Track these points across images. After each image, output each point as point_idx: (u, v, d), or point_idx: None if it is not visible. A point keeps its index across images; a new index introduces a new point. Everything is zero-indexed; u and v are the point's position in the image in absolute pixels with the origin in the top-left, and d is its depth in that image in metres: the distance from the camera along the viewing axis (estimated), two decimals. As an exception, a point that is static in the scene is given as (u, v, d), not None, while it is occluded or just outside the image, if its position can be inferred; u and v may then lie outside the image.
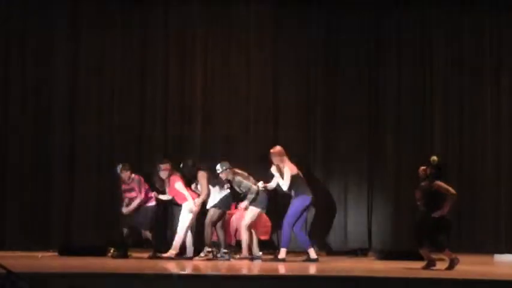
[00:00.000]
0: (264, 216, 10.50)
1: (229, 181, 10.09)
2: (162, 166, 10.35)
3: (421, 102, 11.76)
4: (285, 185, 9.74)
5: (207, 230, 9.97)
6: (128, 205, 10.34)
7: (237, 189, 10.09)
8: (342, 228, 11.46)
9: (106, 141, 11.68)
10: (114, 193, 11.15)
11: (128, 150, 11.59)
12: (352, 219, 11.48)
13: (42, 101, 11.66)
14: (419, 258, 10.56)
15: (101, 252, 10.55)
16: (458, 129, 11.73)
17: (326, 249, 11.38)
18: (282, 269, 8.92)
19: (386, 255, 10.92)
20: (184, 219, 10.17)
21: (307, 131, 11.70)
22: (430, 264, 8.78)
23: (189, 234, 10.22)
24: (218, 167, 10.14)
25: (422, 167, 9.00)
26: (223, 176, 10.08)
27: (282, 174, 9.77)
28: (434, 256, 8.76)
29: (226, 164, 10.11)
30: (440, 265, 8.80)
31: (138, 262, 9.61)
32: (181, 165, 10.26)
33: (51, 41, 11.69)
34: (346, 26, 11.81)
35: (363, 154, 11.68)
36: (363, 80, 11.78)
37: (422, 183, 8.89)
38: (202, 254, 9.96)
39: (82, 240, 11.31)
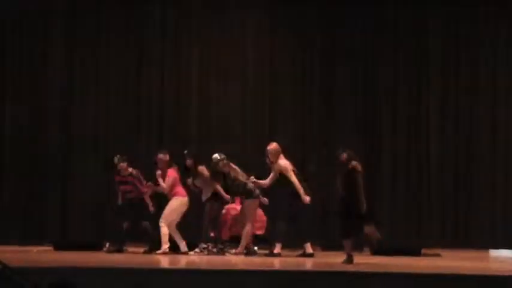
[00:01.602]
0: (259, 211, 10.48)
1: (223, 173, 10.05)
2: (160, 156, 10.29)
3: (418, 101, 11.73)
4: (267, 182, 9.76)
5: (206, 225, 9.91)
6: (122, 198, 10.30)
7: (229, 183, 10.05)
8: (339, 223, 11.42)
9: (102, 135, 11.63)
10: (111, 187, 11.13)
11: (125, 145, 11.55)
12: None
13: (38, 97, 11.62)
14: (416, 253, 10.62)
15: (97, 246, 10.54)
16: (454, 126, 11.71)
17: (322, 245, 11.36)
18: (277, 264, 8.92)
19: (381, 250, 10.92)
20: (167, 212, 10.10)
21: (304, 128, 11.67)
22: (350, 259, 8.67)
23: (175, 229, 10.15)
24: (216, 156, 10.08)
25: (338, 153, 8.86)
26: (219, 166, 10.02)
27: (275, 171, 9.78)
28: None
29: (223, 155, 10.08)
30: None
31: (134, 257, 9.59)
32: (185, 151, 10.20)
33: (48, 39, 11.64)
34: (343, 22, 11.77)
35: (360, 151, 11.64)
36: (360, 78, 11.73)
37: (340, 168, 8.79)
38: (197, 249, 9.93)
39: (78, 234, 11.27)
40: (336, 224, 8.86)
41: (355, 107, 11.67)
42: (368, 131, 11.66)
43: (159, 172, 10.21)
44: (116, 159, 10.36)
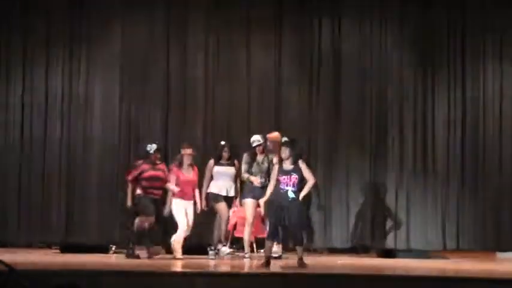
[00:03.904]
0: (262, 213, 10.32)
1: (253, 156, 9.72)
2: (189, 150, 9.84)
3: (423, 98, 11.70)
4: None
5: (223, 227, 9.71)
6: (155, 197, 9.61)
7: (258, 169, 9.69)
8: (344, 225, 11.41)
9: (108, 136, 11.61)
10: (117, 189, 11.16)
11: (129, 146, 11.54)
12: (354, 216, 11.44)
13: (41, 95, 11.61)
14: (423, 255, 10.60)
15: (103, 249, 10.53)
16: (460, 127, 11.67)
17: (327, 247, 11.35)
18: (279, 266, 8.91)
19: (386, 252, 10.92)
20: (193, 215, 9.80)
21: (308, 128, 11.64)
22: (269, 262, 8.43)
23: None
24: (259, 138, 9.80)
25: (283, 148, 8.53)
26: (259, 150, 9.72)
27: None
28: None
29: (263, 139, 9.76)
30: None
31: (140, 260, 9.57)
32: (222, 142, 9.96)
33: (54, 26, 11.66)
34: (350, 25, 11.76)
35: (366, 154, 11.61)
36: (366, 78, 11.70)
37: (285, 165, 8.47)
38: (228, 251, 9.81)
39: (84, 237, 11.24)
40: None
41: (363, 109, 11.62)
42: (375, 133, 11.62)
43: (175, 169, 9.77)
44: (150, 148, 9.67)
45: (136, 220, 9.54)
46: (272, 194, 8.56)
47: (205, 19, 11.70)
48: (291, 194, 8.39)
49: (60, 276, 7.17)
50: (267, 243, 8.56)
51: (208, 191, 9.84)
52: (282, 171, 8.49)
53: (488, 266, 9.35)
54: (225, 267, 8.79)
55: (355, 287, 7.35)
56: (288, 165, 8.50)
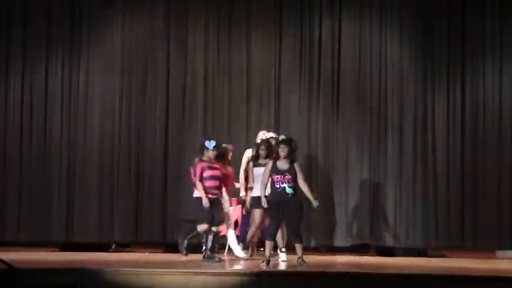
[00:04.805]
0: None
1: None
2: (231, 147, 9.66)
3: (423, 97, 11.68)
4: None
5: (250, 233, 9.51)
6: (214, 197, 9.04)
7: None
8: (344, 224, 11.41)
9: (108, 135, 11.60)
10: (116, 187, 11.15)
11: (130, 145, 11.54)
12: (354, 215, 11.44)
13: (40, 94, 11.60)
14: (422, 254, 10.58)
15: (103, 247, 10.54)
16: (460, 126, 11.66)
17: (327, 245, 11.35)
18: (281, 265, 8.91)
19: (385, 250, 10.91)
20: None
21: (308, 126, 11.64)
22: (269, 262, 8.39)
23: None
24: (271, 134, 9.68)
25: (282, 146, 8.47)
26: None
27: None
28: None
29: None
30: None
31: (140, 257, 9.58)
32: (259, 140, 9.63)
33: (54, 24, 11.65)
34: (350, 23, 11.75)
35: (365, 150, 11.60)
36: (366, 78, 11.69)
37: (281, 164, 8.40)
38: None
39: (84, 235, 11.23)
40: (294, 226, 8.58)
41: (363, 108, 11.59)
42: (374, 132, 11.61)
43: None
44: (210, 145, 9.02)
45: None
46: (270, 194, 8.55)
47: (205, 16, 11.73)
48: (289, 190, 8.36)
49: (60, 274, 7.17)
50: (267, 242, 8.55)
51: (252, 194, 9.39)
52: (276, 170, 8.45)
53: (488, 264, 9.35)
54: (225, 267, 8.78)
55: (355, 286, 7.35)
56: (283, 164, 8.46)
